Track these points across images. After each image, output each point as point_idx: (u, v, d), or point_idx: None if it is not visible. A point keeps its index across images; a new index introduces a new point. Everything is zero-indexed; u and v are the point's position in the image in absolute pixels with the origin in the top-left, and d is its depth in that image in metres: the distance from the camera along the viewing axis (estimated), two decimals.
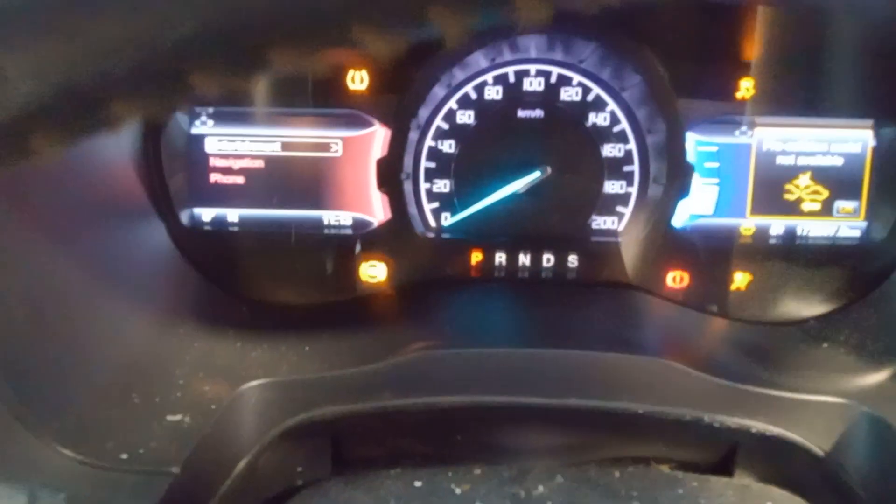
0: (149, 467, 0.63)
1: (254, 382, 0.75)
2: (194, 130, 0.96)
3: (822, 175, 0.94)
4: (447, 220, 0.98)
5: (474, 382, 0.76)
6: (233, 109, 0.95)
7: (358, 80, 0.92)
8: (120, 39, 0.26)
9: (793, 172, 0.95)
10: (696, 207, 0.96)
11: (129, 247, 0.84)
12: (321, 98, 0.93)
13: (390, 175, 0.93)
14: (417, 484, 0.67)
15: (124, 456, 0.63)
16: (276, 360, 0.81)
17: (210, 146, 0.96)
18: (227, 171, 0.97)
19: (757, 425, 0.75)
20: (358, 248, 0.97)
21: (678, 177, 0.92)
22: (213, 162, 0.96)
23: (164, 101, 0.28)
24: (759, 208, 0.95)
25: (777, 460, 0.77)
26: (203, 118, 0.96)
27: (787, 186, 0.95)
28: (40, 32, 0.25)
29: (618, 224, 0.97)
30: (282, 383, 0.76)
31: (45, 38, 0.25)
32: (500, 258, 0.98)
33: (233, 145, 0.96)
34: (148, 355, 0.76)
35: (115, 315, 0.76)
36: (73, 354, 0.67)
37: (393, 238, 0.96)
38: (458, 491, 0.66)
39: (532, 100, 0.94)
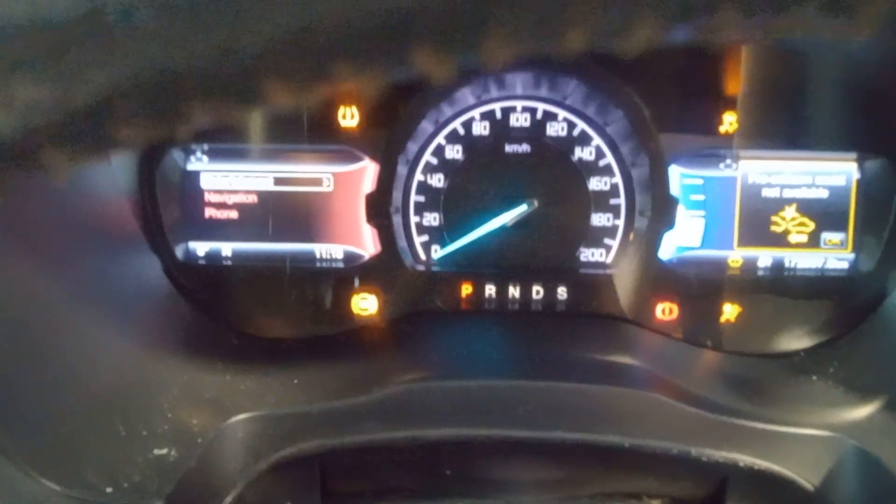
0: (133, 501, 0.63)
1: (241, 416, 0.75)
2: (190, 167, 0.98)
3: (807, 207, 0.95)
4: (437, 252, 0.99)
5: (461, 415, 0.76)
6: (227, 146, 0.97)
7: (349, 117, 0.95)
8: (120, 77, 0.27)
9: (779, 204, 0.96)
10: (683, 240, 0.97)
11: (120, 278, 0.85)
12: (313, 134, 0.95)
13: (379, 209, 0.95)
14: None
15: (109, 489, 0.64)
16: (264, 392, 0.81)
17: (205, 182, 0.98)
18: (221, 206, 0.99)
19: (745, 459, 0.74)
20: (356, 282, 0.98)
21: (663, 209, 0.93)
22: (208, 197, 0.98)
23: (157, 130, 0.30)
24: (745, 240, 0.96)
25: (767, 495, 0.76)
26: (198, 154, 0.98)
27: (774, 218, 0.96)
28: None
29: (606, 256, 0.98)
30: (269, 416, 0.77)
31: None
32: (490, 290, 0.98)
33: (227, 181, 0.98)
34: (135, 386, 0.77)
35: (103, 344, 0.76)
36: (57, 384, 0.68)
37: (384, 271, 0.97)
38: None
39: (519, 135, 0.96)
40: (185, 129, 0.31)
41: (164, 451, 0.69)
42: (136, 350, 0.81)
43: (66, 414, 0.67)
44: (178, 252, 0.97)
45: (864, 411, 0.76)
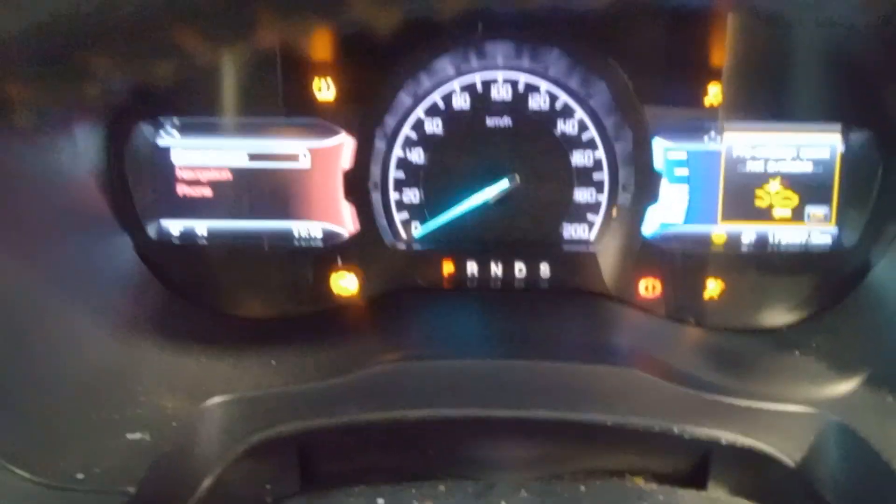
0: (105, 487, 0.61)
1: (217, 398, 0.73)
2: (160, 142, 0.95)
3: (792, 181, 0.94)
4: (417, 230, 0.97)
5: (441, 395, 0.75)
6: (199, 120, 0.94)
7: (324, 89, 0.92)
8: None
9: (763, 178, 0.94)
10: (667, 216, 0.95)
11: (90, 260, 0.82)
12: (288, 107, 0.92)
13: (357, 185, 0.93)
14: (380, 501, 0.66)
15: (80, 476, 0.62)
16: (241, 374, 0.79)
17: (177, 158, 0.95)
18: (194, 182, 0.95)
19: (727, 436, 0.74)
20: (337, 261, 0.95)
21: (646, 184, 0.91)
22: (181, 174, 0.95)
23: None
24: (729, 215, 0.95)
25: (750, 471, 0.76)
26: (169, 129, 0.95)
27: (758, 192, 0.95)
28: None
29: (589, 232, 0.97)
30: (246, 399, 0.75)
31: None
32: (472, 268, 0.97)
33: (200, 156, 0.95)
34: (108, 371, 0.75)
35: (74, 330, 0.74)
36: (26, 371, 0.66)
37: (363, 249, 0.95)
38: None
39: (500, 108, 0.93)
40: (95, 86, 0.28)
41: (138, 435, 0.67)
42: (109, 334, 0.79)
43: (34, 401, 0.65)
44: (151, 231, 0.94)
45: (846, 387, 0.76)
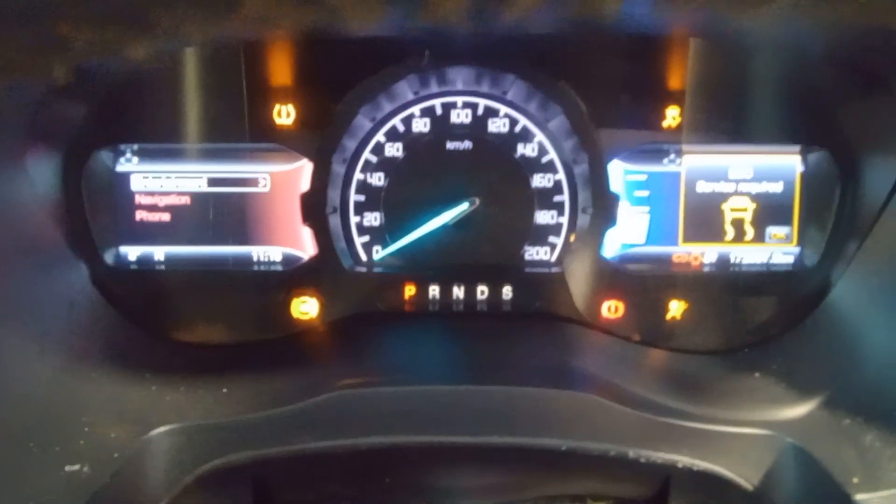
0: None
1: (163, 427, 0.72)
2: (119, 168, 0.94)
3: (752, 202, 0.94)
4: (378, 253, 0.96)
5: (396, 421, 0.74)
6: (158, 146, 0.93)
7: (285, 115, 0.91)
8: None
9: (723, 199, 0.94)
10: (628, 237, 0.95)
11: (42, 289, 0.81)
12: (249, 133, 0.91)
13: (314, 209, 0.92)
14: None
15: None
16: (192, 403, 0.78)
17: (135, 184, 0.94)
18: (153, 208, 0.95)
19: (684, 460, 0.73)
20: (296, 285, 0.94)
21: (604, 206, 0.91)
22: (139, 199, 0.95)
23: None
24: (691, 236, 0.95)
25: (710, 493, 0.75)
26: (128, 155, 0.94)
27: (718, 213, 0.95)
28: None
29: (550, 255, 0.96)
30: (196, 427, 0.73)
31: None
32: (434, 291, 0.96)
33: (158, 182, 0.94)
34: (53, 401, 0.73)
35: (16, 360, 0.72)
36: None
37: (323, 273, 0.94)
38: None
39: (460, 131, 0.93)
40: (67, 56, 0.28)
41: (76, 467, 0.65)
42: (55, 365, 0.77)
43: None
44: (108, 258, 0.93)
45: (803, 409, 0.75)
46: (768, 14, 0.26)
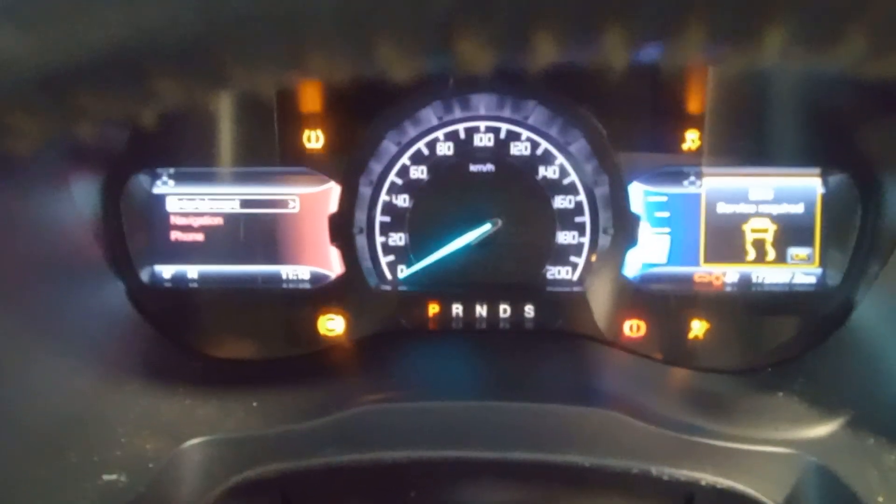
0: None
1: (196, 440, 0.74)
2: (156, 190, 0.98)
3: (773, 223, 0.95)
4: (403, 272, 0.99)
5: (420, 436, 0.75)
6: (193, 170, 0.98)
7: (314, 140, 0.95)
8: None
9: (744, 220, 0.95)
10: (650, 257, 0.96)
11: (79, 304, 0.85)
12: (279, 157, 0.95)
13: (341, 229, 0.95)
14: None
15: None
16: (225, 416, 0.80)
17: (171, 205, 0.98)
18: (187, 228, 0.99)
19: (707, 478, 0.73)
20: (323, 303, 0.97)
21: (625, 227, 0.93)
22: (174, 220, 0.98)
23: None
24: (712, 256, 0.96)
25: None
26: (164, 178, 0.98)
27: (739, 234, 0.96)
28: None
29: (572, 274, 0.98)
30: (227, 440, 0.75)
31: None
32: (457, 309, 0.98)
33: (193, 204, 0.98)
34: (91, 412, 0.76)
35: (57, 371, 0.76)
36: (3, 418, 0.67)
37: (349, 291, 0.97)
38: None
39: (483, 155, 0.96)
40: (152, 106, 0.31)
41: (114, 476, 0.68)
42: (94, 378, 0.80)
43: (7, 441, 0.66)
44: (144, 276, 0.97)
45: (827, 428, 0.75)
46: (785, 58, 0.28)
